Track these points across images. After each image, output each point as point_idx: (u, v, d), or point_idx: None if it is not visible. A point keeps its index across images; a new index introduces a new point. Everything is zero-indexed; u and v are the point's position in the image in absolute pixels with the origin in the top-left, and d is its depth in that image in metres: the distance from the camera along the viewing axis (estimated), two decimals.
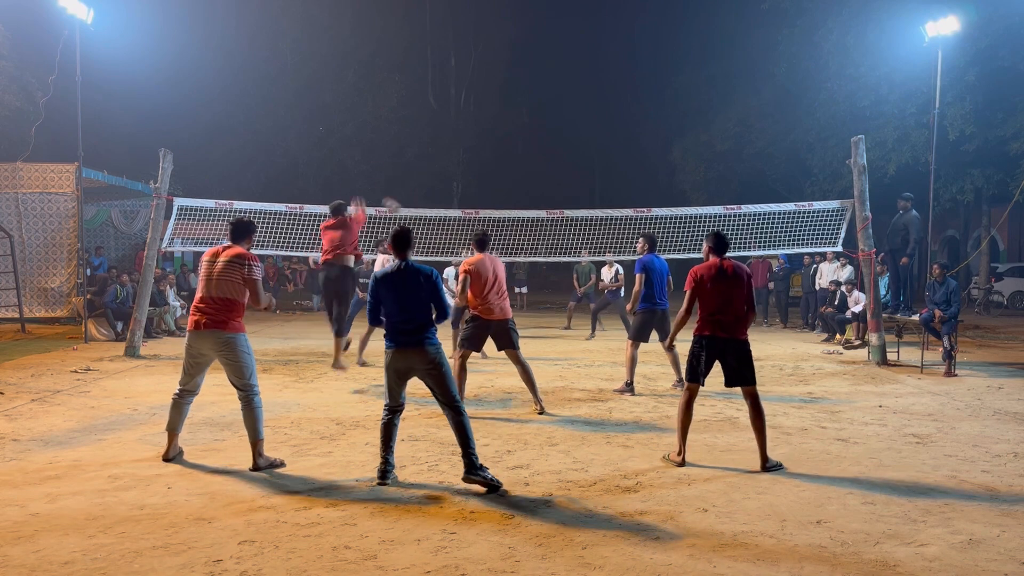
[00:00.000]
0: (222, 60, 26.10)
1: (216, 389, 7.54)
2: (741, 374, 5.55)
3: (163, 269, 14.59)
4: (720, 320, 5.52)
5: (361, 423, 6.79)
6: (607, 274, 14.14)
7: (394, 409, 5.15)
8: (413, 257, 5.18)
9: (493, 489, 4.80)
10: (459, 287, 7.23)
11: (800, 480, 5.19)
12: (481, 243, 7.46)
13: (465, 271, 7.22)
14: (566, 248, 13.61)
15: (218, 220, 11.96)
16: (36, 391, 8.14)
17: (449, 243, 13.43)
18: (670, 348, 8.16)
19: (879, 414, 7.37)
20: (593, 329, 14.55)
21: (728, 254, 5.79)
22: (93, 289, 14.56)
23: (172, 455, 5.50)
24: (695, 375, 5.58)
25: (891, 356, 11.06)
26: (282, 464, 5.37)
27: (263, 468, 5.25)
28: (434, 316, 5.07)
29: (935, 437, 6.44)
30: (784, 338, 14.57)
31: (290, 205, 12.52)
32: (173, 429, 5.52)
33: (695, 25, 34.62)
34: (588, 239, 13.79)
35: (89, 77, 12.97)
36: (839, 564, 3.76)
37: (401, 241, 5.12)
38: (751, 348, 5.64)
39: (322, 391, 8.40)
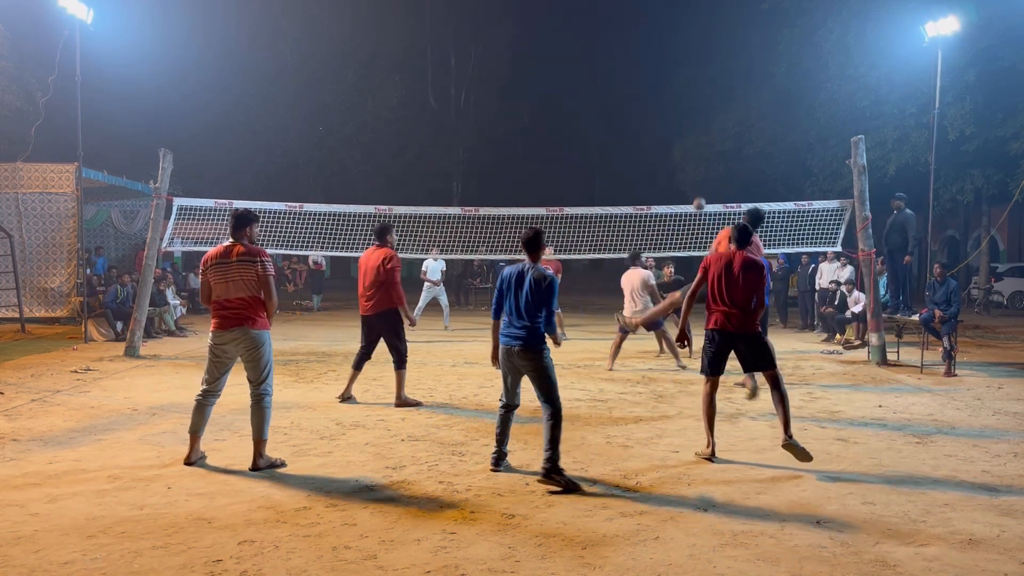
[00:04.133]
0: (222, 60, 26.09)
1: None
2: (755, 363, 5.74)
3: (163, 270, 14.58)
4: (725, 312, 5.66)
5: (361, 423, 6.78)
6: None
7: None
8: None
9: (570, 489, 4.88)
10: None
11: (800, 480, 5.19)
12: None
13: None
14: (576, 247, 13.62)
15: (218, 220, 11.96)
16: (36, 391, 8.14)
17: (450, 242, 13.45)
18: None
19: (879, 414, 7.37)
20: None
21: None
22: (102, 289, 14.53)
23: (195, 459, 5.35)
24: (703, 368, 5.90)
25: (891, 356, 11.06)
26: (282, 464, 5.36)
27: (263, 468, 5.25)
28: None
29: (935, 437, 6.44)
30: (784, 338, 14.55)
31: (290, 204, 12.52)
32: (196, 432, 5.38)
33: (695, 25, 34.59)
34: (589, 237, 13.54)
35: (89, 77, 12.96)
36: (839, 564, 3.76)
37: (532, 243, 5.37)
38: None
39: (322, 391, 8.39)
